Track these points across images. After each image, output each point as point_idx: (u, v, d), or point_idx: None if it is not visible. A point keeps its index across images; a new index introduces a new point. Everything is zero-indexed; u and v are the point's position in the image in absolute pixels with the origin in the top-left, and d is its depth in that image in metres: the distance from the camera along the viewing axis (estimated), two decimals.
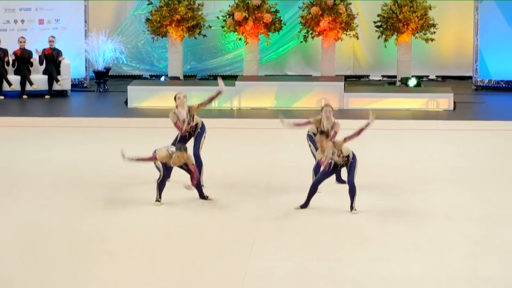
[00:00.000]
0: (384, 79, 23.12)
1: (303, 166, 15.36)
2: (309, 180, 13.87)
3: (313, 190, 13.21)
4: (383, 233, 12.29)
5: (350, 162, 13.15)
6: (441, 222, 12.71)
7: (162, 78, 22.49)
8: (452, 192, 13.97)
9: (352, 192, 13.06)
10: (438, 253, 11.56)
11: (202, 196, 13.62)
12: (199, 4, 22.30)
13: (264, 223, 12.73)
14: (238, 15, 21.74)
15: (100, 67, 22.24)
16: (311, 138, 14.11)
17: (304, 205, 13.17)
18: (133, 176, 14.91)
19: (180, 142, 13.96)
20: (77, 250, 11.71)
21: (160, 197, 13.47)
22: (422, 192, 13.93)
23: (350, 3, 21.98)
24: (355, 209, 13.01)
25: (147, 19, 22.39)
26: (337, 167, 13.29)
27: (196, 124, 14.34)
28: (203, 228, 12.58)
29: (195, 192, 13.68)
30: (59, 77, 21.68)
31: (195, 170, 13.44)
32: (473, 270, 11.02)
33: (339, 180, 14.25)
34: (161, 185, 13.47)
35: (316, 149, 13.45)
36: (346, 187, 13.35)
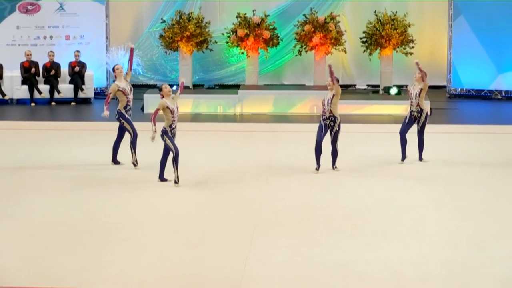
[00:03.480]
0: (369, 88, 23.11)
1: (299, 164, 15.38)
2: (304, 176, 13.85)
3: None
4: (369, 224, 12.26)
5: (335, 130, 14.41)
6: (420, 214, 12.69)
7: (174, 87, 22.42)
8: (429, 187, 13.96)
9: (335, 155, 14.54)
10: (417, 241, 11.54)
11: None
12: (206, 22, 22.30)
13: (264, 215, 12.71)
14: (241, 32, 21.76)
15: None
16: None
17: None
18: (146, 172, 14.92)
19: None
20: (96, 239, 11.68)
21: (178, 177, 13.87)
22: (403, 187, 13.91)
23: (338, 21, 22.00)
24: (336, 167, 14.51)
25: (161, 36, 22.39)
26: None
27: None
28: (209, 219, 12.55)
29: (198, 190, 13.66)
30: (83, 86, 21.71)
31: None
32: (447, 256, 10.99)
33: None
34: (177, 162, 13.82)
35: None
36: (337, 182, 13.33)
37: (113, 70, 15.20)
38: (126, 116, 14.95)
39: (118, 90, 14.86)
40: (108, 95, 15.13)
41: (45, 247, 11.38)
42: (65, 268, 10.61)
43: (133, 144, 14.96)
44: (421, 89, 15.25)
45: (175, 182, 13.87)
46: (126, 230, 12.05)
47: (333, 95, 14.46)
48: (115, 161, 15.17)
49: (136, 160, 15.01)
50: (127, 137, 15.11)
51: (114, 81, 15.34)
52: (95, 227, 12.14)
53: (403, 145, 15.30)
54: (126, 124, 14.96)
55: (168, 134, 13.77)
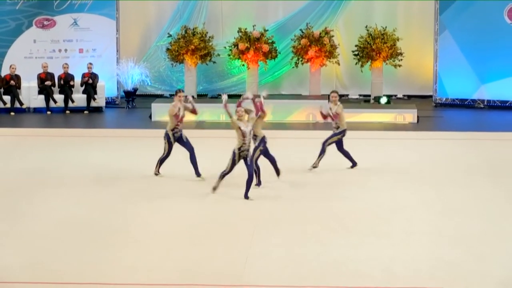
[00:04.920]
0: (360, 97, 23.10)
1: (295, 165, 15.39)
2: (300, 176, 13.84)
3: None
4: (360, 223, 12.27)
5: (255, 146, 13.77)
6: (409, 214, 12.70)
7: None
8: (417, 190, 13.98)
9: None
10: (406, 240, 11.54)
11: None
12: (209, 36, 22.34)
13: (263, 214, 12.72)
14: (242, 45, 21.78)
15: (129, 87, 22.25)
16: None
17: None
18: (154, 175, 14.94)
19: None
20: (108, 238, 11.69)
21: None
22: (392, 189, 13.93)
23: (332, 36, 22.01)
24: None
25: (167, 49, 22.43)
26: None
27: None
28: (212, 218, 12.58)
29: (202, 191, 13.66)
30: (95, 96, 21.70)
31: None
32: (433, 253, 11.01)
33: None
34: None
35: None
36: (331, 184, 13.32)
37: (176, 93, 14.75)
38: (171, 139, 14.55)
39: (175, 114, 14.48)
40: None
41: (62, 245, 11.38)
42: (81, 264, 10.62)
43: (161, 161, 14.71)
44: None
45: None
46: (136, 229, 12.05)
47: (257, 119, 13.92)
48: (197, 173, 14.64)
49: (158, 171, 14.80)
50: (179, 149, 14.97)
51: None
52: (107, 227, 12.14)
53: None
54: (166, 145, 14.57)
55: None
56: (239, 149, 13.19)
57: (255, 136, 13.82)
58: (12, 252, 11.10)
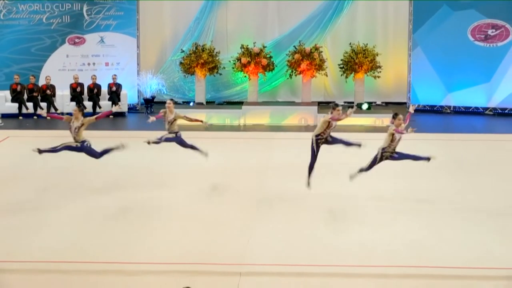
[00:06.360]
0: (345, 103, 23.07)
1: (290, 163, 15.42)
2: (294, 172, 13.82)
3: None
4: (346, 211, 12.31)
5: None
6: (386, 203, 12.74)
7: (191, 103, 22.56)
8: (393, 182, 14.00)
9: None
10: (385, 226, 11.60)
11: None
12: (216, 52, 22.33)
13: (263, 205, 12.77)
14: (244, 60, 21.79)
15: (148, 95, 22.27)
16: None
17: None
18: (170, 168, 14.96)
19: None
20: (131, 224, 11.74)
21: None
22: (372, 182, 13.95)
23: (321, 51, 22.03)
24: None
25: (180, 63, 22.44)
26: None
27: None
28: (217, 207, 12.64)
29: (211, 183, 13.67)
30: (119, 103, 21.70)
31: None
32: (408, 237, 11.07)
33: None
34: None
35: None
36: (321, 178, 13.32)
37: (333, 108, 13.22)
38: (314, 144, 13.06)
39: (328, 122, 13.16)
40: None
41: (97, 229, 11.45)
42: (111, 245, 10.70)
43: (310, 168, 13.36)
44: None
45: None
46: (155, 216, 12.13)
47: (82, 124, 13.41)
48: (309, 180, 13.19)
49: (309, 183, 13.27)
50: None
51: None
52: (134, 215, 12.22)
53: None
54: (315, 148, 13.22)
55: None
56: (383, 149, 12.66)
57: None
58: (55, 236, 11.21)
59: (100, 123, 21.00)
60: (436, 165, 15.51)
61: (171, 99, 14.57)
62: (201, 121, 14.50)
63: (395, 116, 12.66)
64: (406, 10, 22.33)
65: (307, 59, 21.70)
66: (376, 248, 10.53)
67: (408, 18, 22.20)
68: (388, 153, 12.73)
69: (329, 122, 12.95)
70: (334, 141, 13.22)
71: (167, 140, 14.17)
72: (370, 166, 12.86)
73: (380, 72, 22.02)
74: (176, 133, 14.22)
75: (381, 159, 12.77)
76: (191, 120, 14.32)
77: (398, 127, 12.56)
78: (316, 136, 12.99)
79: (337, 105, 13.39)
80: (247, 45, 22.06)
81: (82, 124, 13.44)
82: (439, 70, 21.82)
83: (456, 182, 14.17)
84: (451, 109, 21.98)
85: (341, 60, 22.15)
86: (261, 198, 13.09)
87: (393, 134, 12.59)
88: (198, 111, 20.73)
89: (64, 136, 18.64)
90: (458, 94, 21.82)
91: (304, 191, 13.33)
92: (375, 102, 23.10)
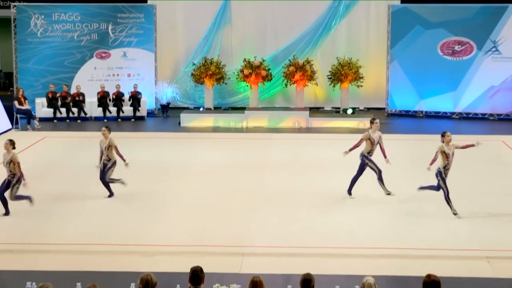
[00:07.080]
0: (333, 109, 23.15)
1: (286, 160, 15.48)
2: (290, 168, 13.82)
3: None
4: (331, 202, 12.35)
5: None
6: (365, 193, 12.76)
7: (201, 109, 22.59)
8: (372, 175, 14.00)
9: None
10: (364, 213, 11.69)
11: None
12: (223, 65, 22.31)
13: (263, 196, 12.81)
14: (246, 71, 21.80)
15: (164, 102, 22.29)
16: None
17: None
18: (183, 165, 15.05)
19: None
20: (150, 212, 11.84)
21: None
22: (358, 182, 13.73)
23: (312, 64, 22.04)
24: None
25: (192, 74, 22.39)
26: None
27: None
28: (223, 197, 12.67)
29: (216, 178, 13.68)
30: (139, 108, 21.77)
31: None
32: (387, 221, 11.18)
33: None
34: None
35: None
36: (312, 173, 13.35)
37: (372, 122, 12.83)
38: (369, 157, 12.81)
39: (368, 138, 12.80)
40: (358, 143, 12.65)
41: (121, 216, 11.56)
42: (133, 230, 10.80)
43: (380, 179, 12.90)
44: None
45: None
46: (166, 203, 12.22)
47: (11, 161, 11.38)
48: (349, 191, 12.73)
49: (387, 191, 12.78)
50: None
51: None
52: (152, 205, 12.27)
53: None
54: (371, 164, 12.79)
55: None
56: (444, 167, 11.58)
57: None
58: (86, 221, 11.31)
59: (124, 125, 21.21)
60: (411, 162, 15.61)
61: (106, 127, 12.84)
62: (124, 160, 12.65)
63: (443, 135, 11.50)
64: (385, 29, 22.40)
65: (300, 71, 21.69)
66: (357, 233, 10.67)
67: (386, 36, 22.27)
68: (448, 171, 11.50)
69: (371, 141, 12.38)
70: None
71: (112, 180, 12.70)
72: (445, 187, 11.54)
73: (362, 82, 21.99)
74: (112, 162, 12.66)
75: (446, 177, 11.55)
76: (118, 153, 12.68)
77: (448, 144, 11.44)
78: (368, 153, 12.58)
79: (374, 119, 12.75)
80: (249, 59, 22.03)
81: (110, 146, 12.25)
82: (413, 80, 21.86)
83: (425, 175, 14.13)
84: (423, 113, 21.99)
85: (329, 71, 22.13)
86: (261, 190, 13.16)
87: (444, 152, 11.43)
88: (207, 115, 20.80)
89: (91, 137, 18.82)
90: (429, 101, 21.84)
91: (299, 184, 13.37)
92: (358, 108, 23.13)
